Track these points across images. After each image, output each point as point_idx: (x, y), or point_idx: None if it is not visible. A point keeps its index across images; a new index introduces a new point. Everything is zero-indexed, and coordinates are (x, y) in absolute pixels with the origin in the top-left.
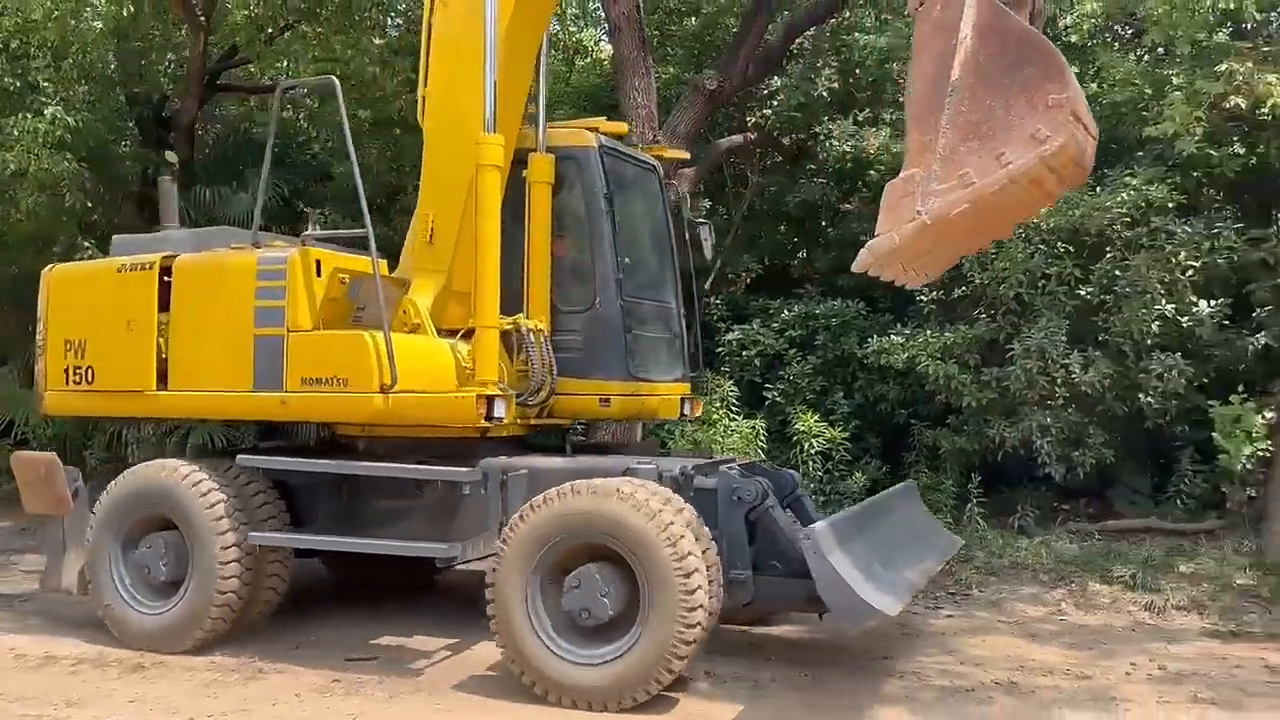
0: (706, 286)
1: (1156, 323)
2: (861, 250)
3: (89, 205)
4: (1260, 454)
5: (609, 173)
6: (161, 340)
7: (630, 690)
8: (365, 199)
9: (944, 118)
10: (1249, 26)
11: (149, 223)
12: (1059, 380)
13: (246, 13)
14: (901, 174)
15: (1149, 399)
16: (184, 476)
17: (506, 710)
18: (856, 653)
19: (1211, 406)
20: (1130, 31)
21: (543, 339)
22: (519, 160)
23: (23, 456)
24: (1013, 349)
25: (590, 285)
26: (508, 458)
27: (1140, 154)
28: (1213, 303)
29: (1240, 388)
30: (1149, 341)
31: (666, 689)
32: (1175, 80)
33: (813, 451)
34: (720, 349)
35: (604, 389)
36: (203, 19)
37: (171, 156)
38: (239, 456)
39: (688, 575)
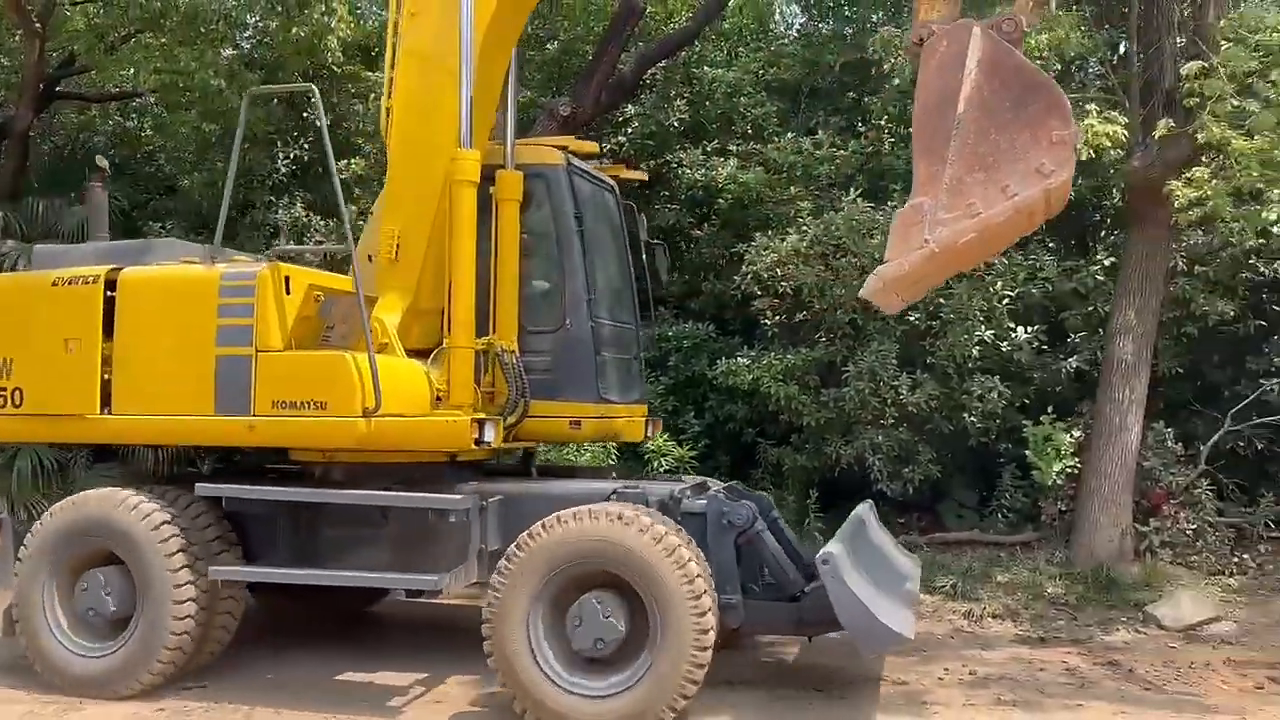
0: None
1: (977, 347)
2: (870, 277)
3: None
4: (1069, 470)
5: (577, 192)
6: (105, 360)
7: None
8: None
9: (950, 150)
10: (1074, 68)
11: None
12: (889, 400)
13: (86, 20)
14: (910, 203)
15: (972, 418)
16: (131, 507)
17: None
18: None
19: (1028, 425)
20: None
21: (516, 360)
22: (485, 176)
23: None
24: (848, 371)
25: (560, 306)
26: (479, 483)
27: None
28: (1030, 329)
29: (1051, 409)
30: (970, 365)
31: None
32: None
33: (662, 470)
34: None
35: (577, 411)
36: (38, 25)
37: (102, 162)
38: (198, 485)
39: (699, 600)
